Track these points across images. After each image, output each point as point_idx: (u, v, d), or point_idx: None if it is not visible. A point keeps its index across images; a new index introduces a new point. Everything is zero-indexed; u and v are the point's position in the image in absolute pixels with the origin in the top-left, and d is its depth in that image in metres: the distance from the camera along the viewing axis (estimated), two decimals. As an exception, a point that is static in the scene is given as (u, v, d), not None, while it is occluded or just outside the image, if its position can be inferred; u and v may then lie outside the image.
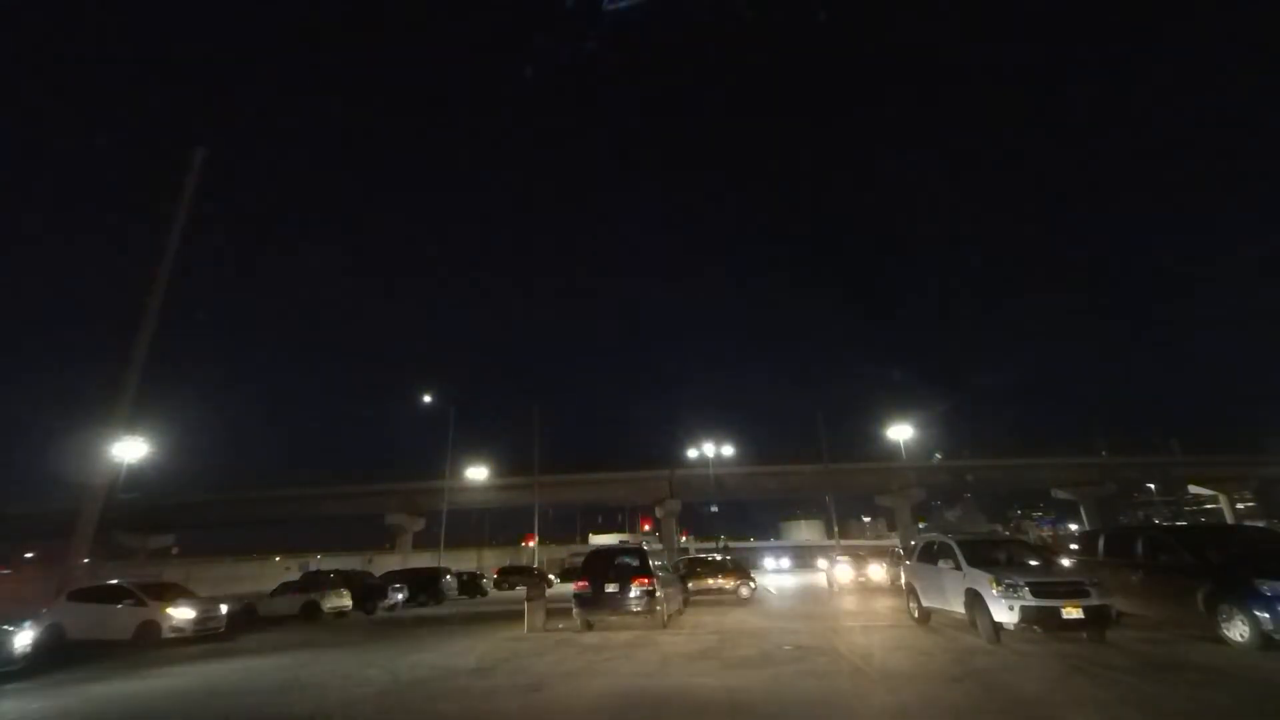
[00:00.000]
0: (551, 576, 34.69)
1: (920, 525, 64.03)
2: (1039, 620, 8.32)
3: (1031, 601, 8.32)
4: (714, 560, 23.97)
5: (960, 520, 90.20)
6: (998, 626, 8.72)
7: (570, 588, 14.15)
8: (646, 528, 74.83)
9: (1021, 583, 8.53)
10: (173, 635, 13.40)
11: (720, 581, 20.20)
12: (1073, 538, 53.31)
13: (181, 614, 13.73)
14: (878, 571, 22.20)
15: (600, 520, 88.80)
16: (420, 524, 51.82)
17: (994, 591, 8.70)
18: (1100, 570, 10.56)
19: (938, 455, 57.41)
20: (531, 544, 45.97)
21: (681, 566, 21.18)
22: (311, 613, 19.11)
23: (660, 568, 13.58)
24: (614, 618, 12.52)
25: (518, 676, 8.18)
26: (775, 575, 36.67)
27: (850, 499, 72.46)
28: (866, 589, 20.90)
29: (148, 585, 15.30)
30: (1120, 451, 57.16)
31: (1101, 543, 11.05)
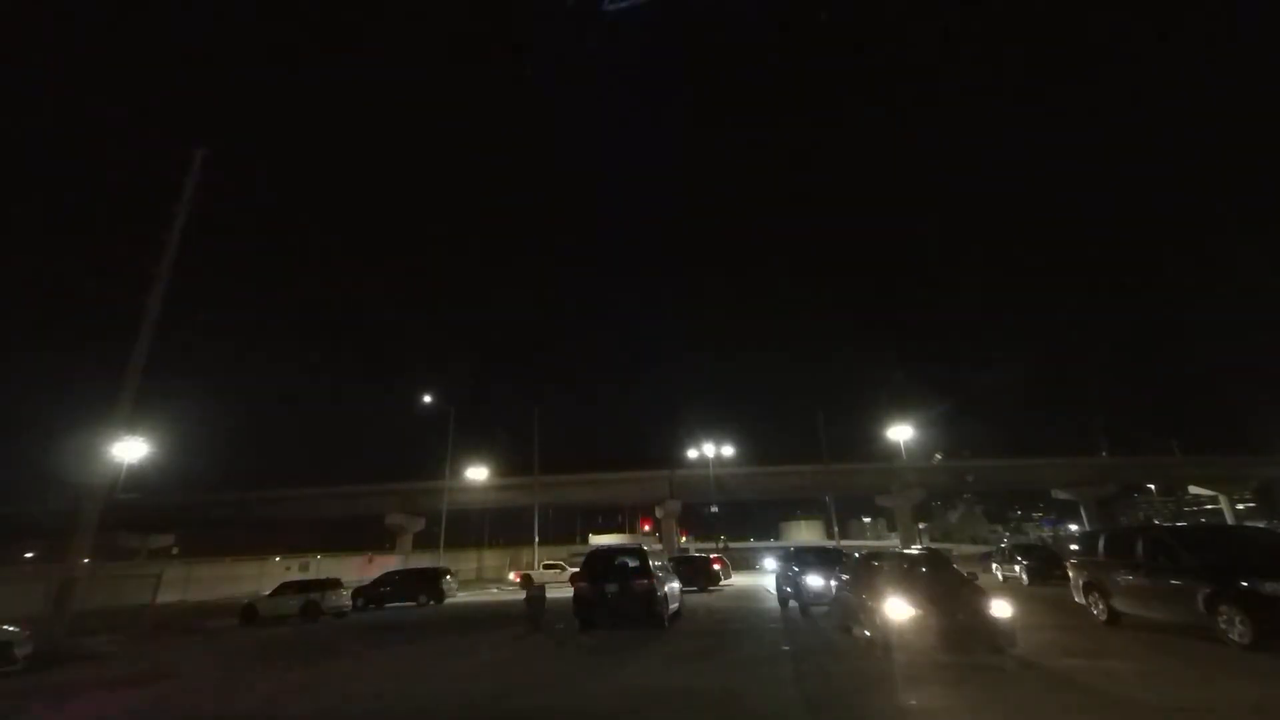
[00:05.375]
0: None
1: (920, 526, 64.15)
2: None
3: None
4: (700, 558, 26.53)
5: (960, 520, 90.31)
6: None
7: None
8: (646, 528, 74.93)
9: None
10: None
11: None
12: (1073, 538, 53.32)
13: None
14: None
15: (600, 520, 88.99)
16: (420, 524, 51.81)
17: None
18: (1100, 570, 10.61)
19: (938, 455, 57.57)
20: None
21: (681, 566, 22.04)
22: (311, 612, 19.13)
23: (660, 568, 13.56)
24: (614, 618, 12.50)
25: (519, 677, 8.18)
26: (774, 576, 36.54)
27: (850, 499, 72.73)
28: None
29: None
30: (1120, 451, 57.30)
31: (1102, 543, 10.96)
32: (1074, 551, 14.04)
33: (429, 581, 23.78)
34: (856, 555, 14.02)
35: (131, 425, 18.39)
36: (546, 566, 34.42)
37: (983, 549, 37.82)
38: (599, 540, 71.93)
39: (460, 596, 26.35)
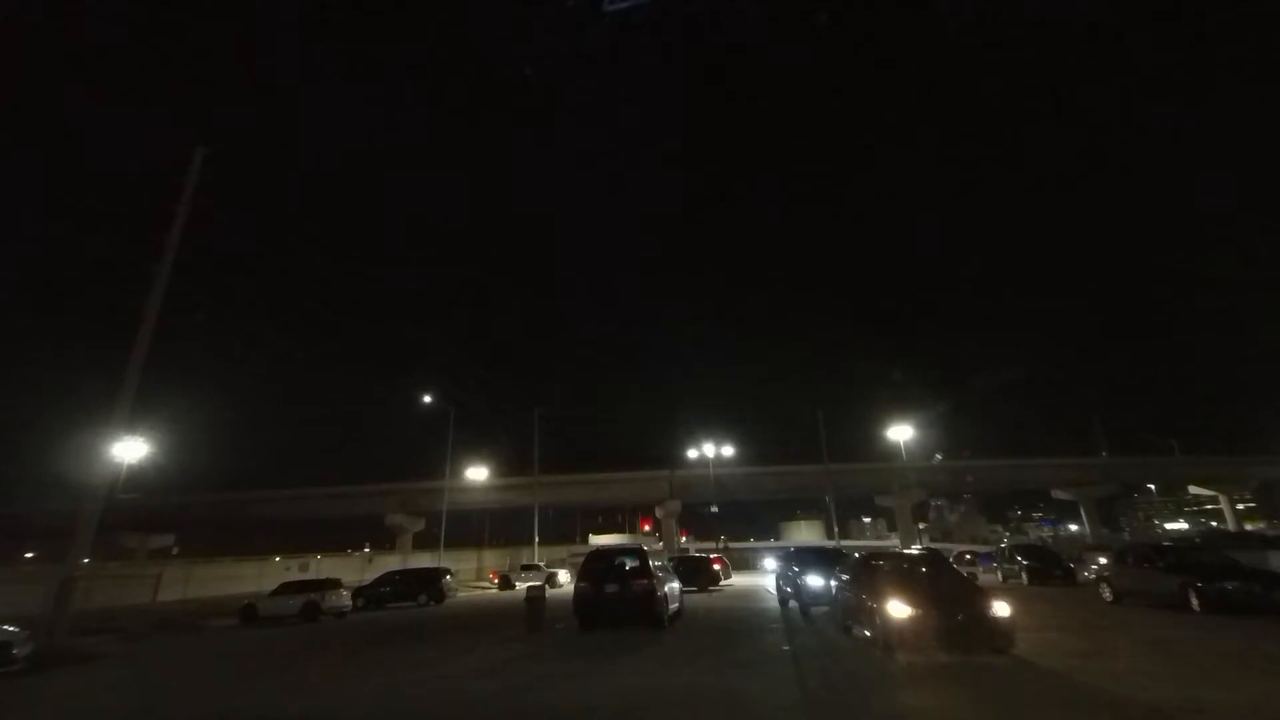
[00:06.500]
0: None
1: (920, 526, 64.10)
2: None
3: None
4: (700, 557, 26.30)
5: (961, 520, 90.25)
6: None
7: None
8: (646, 528, 74.89)
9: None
10: None
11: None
12: (1082, 542, 53.73)
13: None
14: None
15: (600, 520, 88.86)
16: (420, 524, 51.85)
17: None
18: (1126, 569, 14.66)
19: (938, 455, 57.52)
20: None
21: (681, 566, 22.24)
22: (311, 612, 19.12)
23: (660, 568, 13.56)
24: (614, 618, 12.49)
25: (518, 676, 8.17)
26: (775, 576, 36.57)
27: (850, 499, 72.53)
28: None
29: None
30: (1120, 451, 57.33)
31: (1130, 557, 15.17)
32: (1104, 565, 17.36)
33: (429, 581, 23.77)
34: (856, 555, 14.04)
35: (131, 425, 18.38)
36: (525, 568, 34.62)
37: (982, 549, 37.65)
38: (599, 540, 71.85)
39: (460, 596, 26.37)
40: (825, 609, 13.25)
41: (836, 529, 47.50)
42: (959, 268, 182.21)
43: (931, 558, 11.29)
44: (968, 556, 28.65)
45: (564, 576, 31.37)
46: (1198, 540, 32.75)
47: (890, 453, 43.93)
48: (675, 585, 14.56)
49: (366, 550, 44.66)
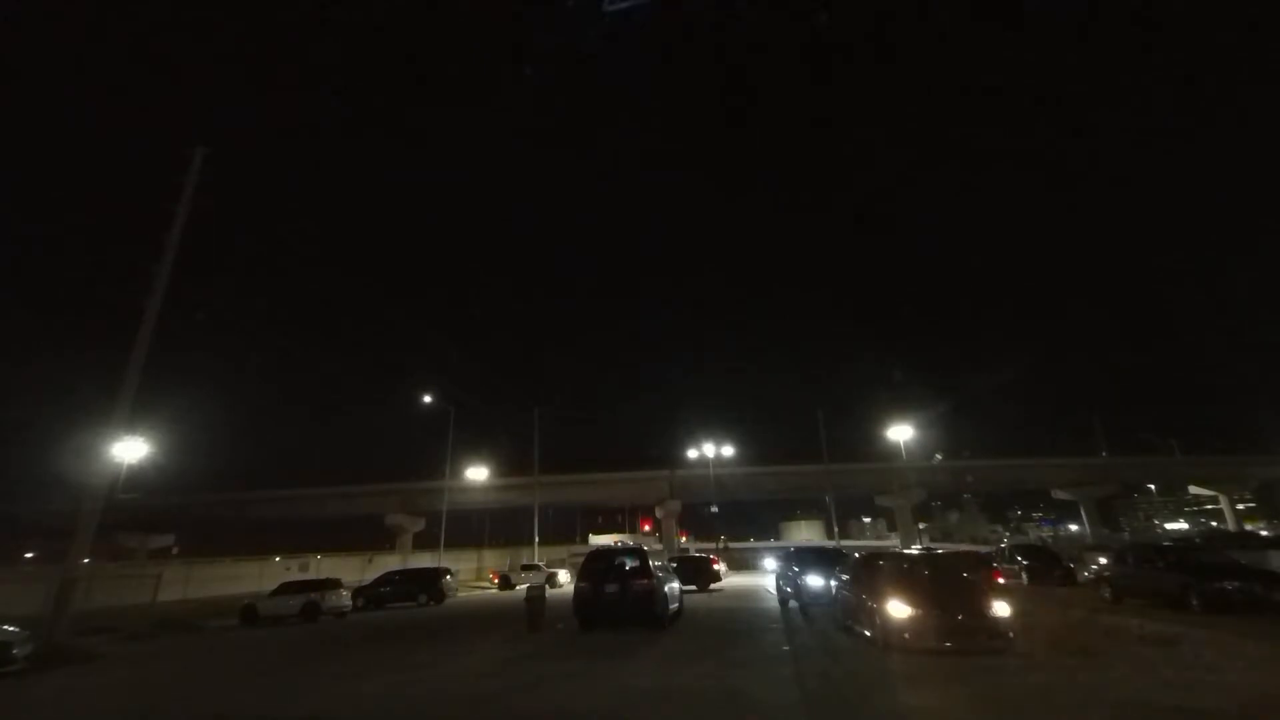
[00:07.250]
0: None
1: (921, 526, 64.10)
2: None
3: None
4: (700, 557, 26.97)
5: (961, 520, 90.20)
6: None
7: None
8: (646, 528, 74.82)
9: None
10: None
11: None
12: (1073, 539, 53.41)
13: None
14: None
15: (600, 520, 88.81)
16: (420, 524, 51.82)
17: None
18: (1127, 569, 14.67)
19: (938, 456, 57.44)
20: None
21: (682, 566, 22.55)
22: (311, 612, 19.12)
23: (660, 568, 13.56)
24: (614, 618, 12.48)
25: (519, 677, 8.17)
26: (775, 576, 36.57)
27: (850, 499, 72.51)
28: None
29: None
30: (1120, 451, 57.21)
31: (1130, 556, 15.17)
32: (1105, 565, 17.08)
33: (429, 581, 23.76)
34: (856, 555, 14.06)
35: (131, 425, 18.36)
36: (525, 568, 34.71)
37: (982, 549, 37.62)
38: (599, 540, 71.81)
39: (460, 596, 26.37)
40: (825, 608, 13.25)
41: (836, 529, 47.48)
42: (959, 268, 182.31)
43: (931, 557, 11.30)
44: None
45: (564, 576, 31.41)
46: (1198, 540, 32.79)
47: (890, 453, 43.90)
48: (675, 585, 14.56)
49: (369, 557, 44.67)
